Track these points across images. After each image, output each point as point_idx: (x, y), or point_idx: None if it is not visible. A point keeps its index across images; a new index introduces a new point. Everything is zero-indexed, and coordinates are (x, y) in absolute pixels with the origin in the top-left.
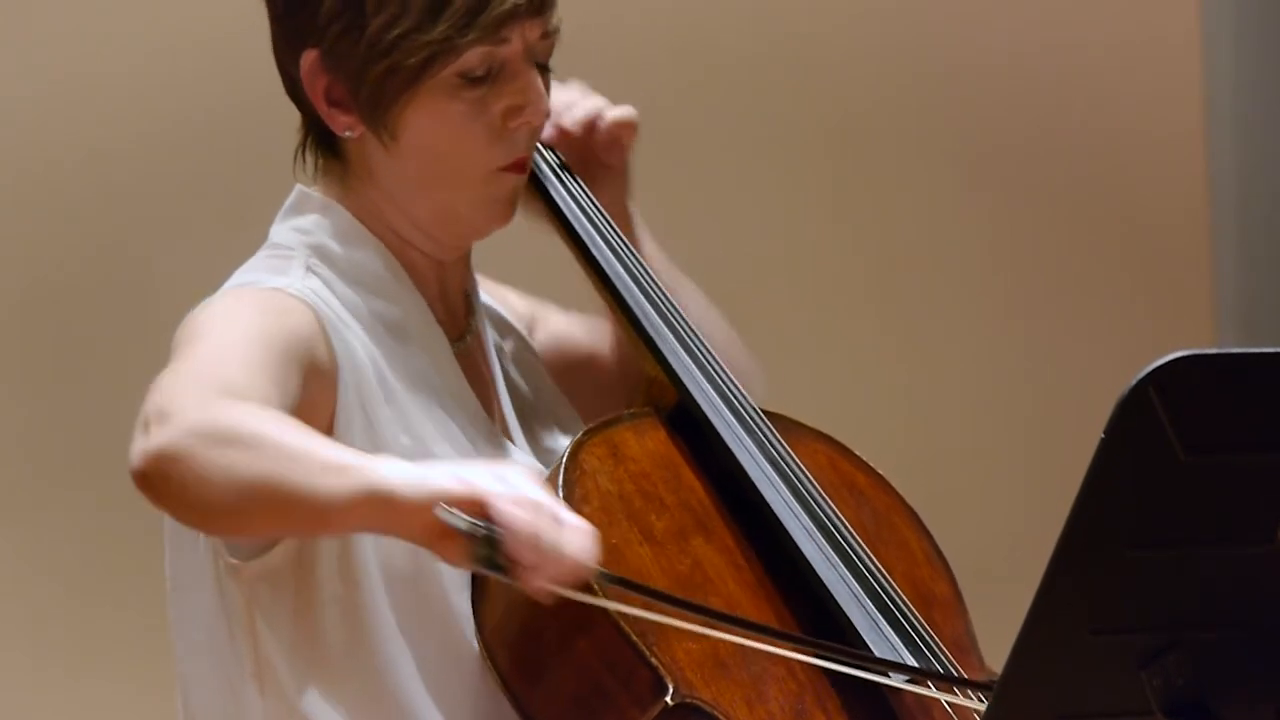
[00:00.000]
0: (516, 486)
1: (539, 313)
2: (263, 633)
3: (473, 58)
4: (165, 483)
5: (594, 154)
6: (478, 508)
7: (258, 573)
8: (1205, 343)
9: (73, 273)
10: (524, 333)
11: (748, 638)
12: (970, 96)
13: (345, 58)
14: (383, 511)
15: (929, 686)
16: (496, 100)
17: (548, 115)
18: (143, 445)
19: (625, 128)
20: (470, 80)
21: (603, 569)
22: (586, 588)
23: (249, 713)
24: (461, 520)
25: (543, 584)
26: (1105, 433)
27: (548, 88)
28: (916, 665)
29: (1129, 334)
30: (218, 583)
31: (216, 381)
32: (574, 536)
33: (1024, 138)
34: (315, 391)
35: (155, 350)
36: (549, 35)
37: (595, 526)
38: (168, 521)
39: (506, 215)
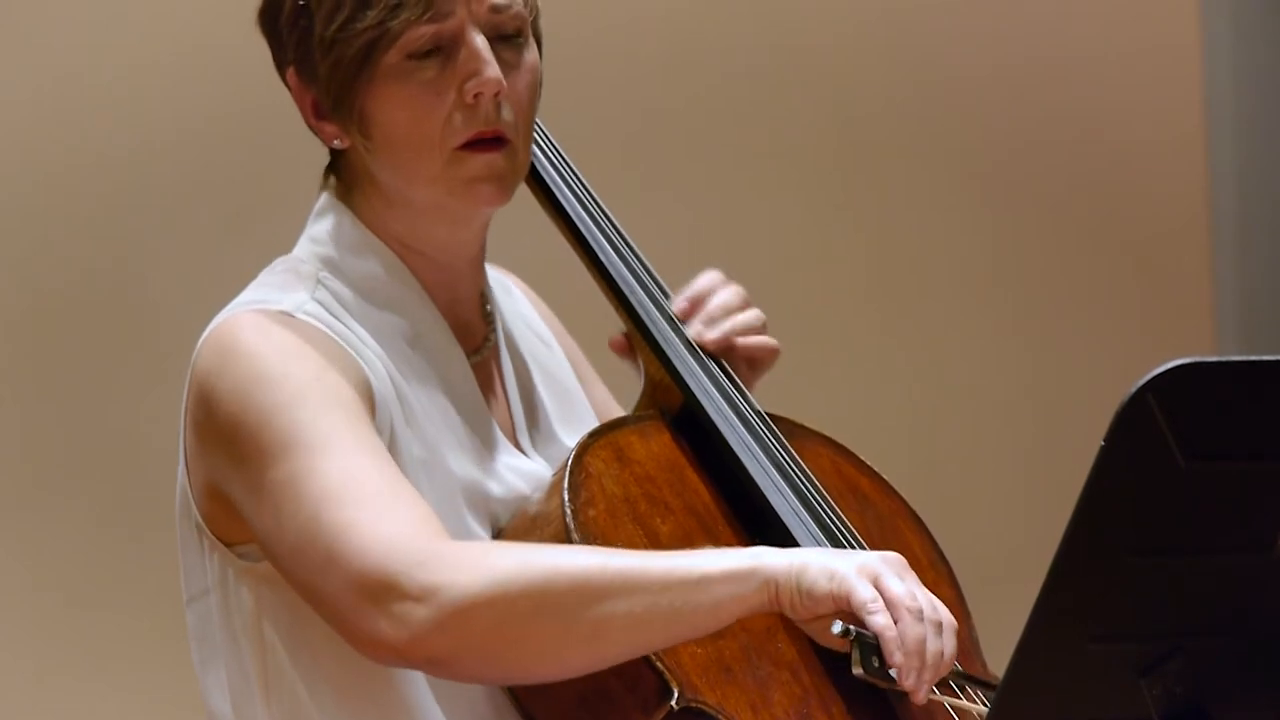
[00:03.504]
0: (891, 589)
1: (585, 376)
2: (269, 638)
3: (417, 37)
4: (459, 657)
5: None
6: (856, 607)
7: (265, 575)
8: (1205, 349)
9: (72, 281)
10: (560, 351)
11: None
12: (972, 102)
13: (309, 66)
14: (768, 605)
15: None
16: (450, 79)
17: (499, 81)
18: (404, 630)
19: (768, 353)
20: (419, 59)
21: (958, 667)
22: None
23: (257, 717)
24: (847, 629)
25: (924, 689)
26: (1105, 440)
27: (521, 59)
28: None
29: (1130, 340)
30: (224, 590)
31: (398, 508)
32: (948, 640)
33: (1025, 144)
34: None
35: (155, 359)
36: (501, 10)
37: (601, 529)
38: (179, 533)
39: (491, 196)
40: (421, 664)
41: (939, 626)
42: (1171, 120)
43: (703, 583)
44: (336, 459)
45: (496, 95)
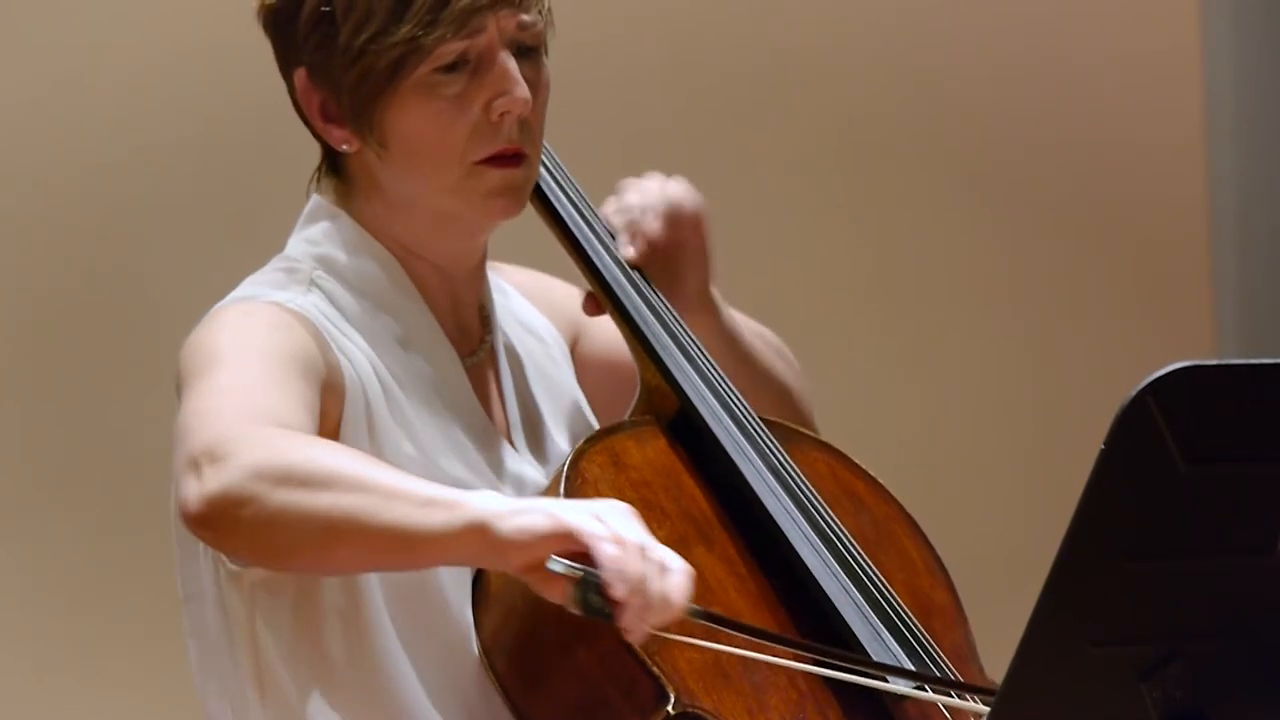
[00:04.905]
0: (615, 527)
1: (588, 322)
2: (263, 640)
3: (447, 52)
4: (232, 525)
5: (672, 240)
6: (577, 548)
7: (257, 579)
8: (1205, 353)
9: (72, 283)
10: (558, 341)
11: (841, 671)
12: (972, 104)
13: (326, 71)
14: (482, 546)
15: (959, 696)
16: (477, 94)
17: (528, 102)
18: (199, 489)
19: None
20: (446, 72)
21: (695, 606)
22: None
23: (252, 716)
24: (565, 566)
25: (642, 627)
26: (1105, 443)
27: (540, 75)
28: (950, 678)
29: (1129, 344)
30: (218, 591)
31: (255, 410)
32: (677, 580)
33: (1026, 146)
34: (327, 404)
35: (155, 361)
36: (527, 27)
37: None
38: (176, 533)
39: (505, 208)
40: (206, 527)
41: (662, 568)
42: (1171, 123)
43: (426, 505)
44: (227, 371)
45: (520, 114)
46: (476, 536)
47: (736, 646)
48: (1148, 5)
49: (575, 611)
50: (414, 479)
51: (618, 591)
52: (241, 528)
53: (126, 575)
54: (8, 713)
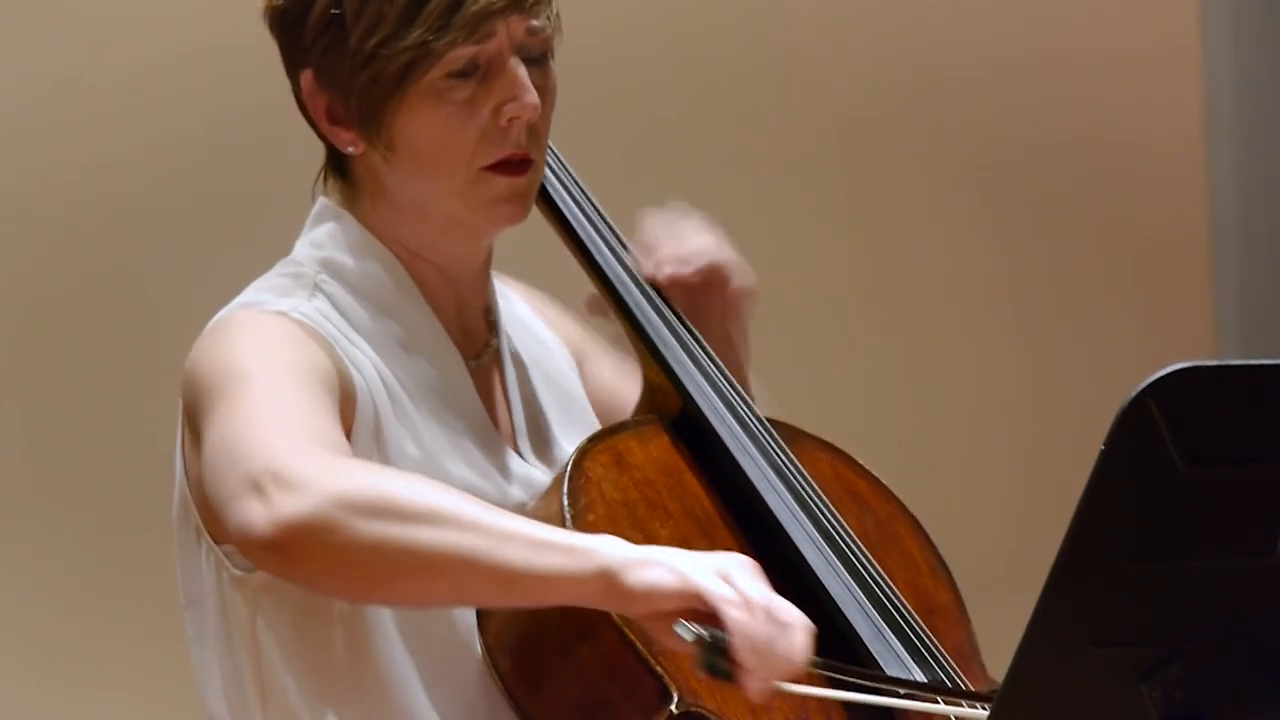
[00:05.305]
0: (742, 587)
1: (590, 353)
2: (265, 644)
3: (457, 57)
4: (310, 552)
5: (706, 299)
6: (702, 608)
7: (261, 583)
8: (1205, 354)
9: (73, 285)
10: (563, 350)
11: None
12: (972, 105)
13: (334, 73)
14: (604, 593)
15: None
16: (486, 99)
17: (537, 108)
18: (268, 513)
19: (746, 297)
20: (456, 77)
21: (816, 659)
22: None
23: (253, 718)
24: (693, 634)
25: (765, 687)
26: (1105, 444)
27: (547, 80)
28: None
29: (1130, 345)
30: (221, 595)
31: (304, 429)
32: (798, 639)
33: (1026, 147)
34: (343, 412)
35: (155, 361)
36: (536, 32)
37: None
38: (176, 537)
39: (512, 215)
40: (279, 552)
41: (786, 626)
42: (1172, 124)
43: (541, 547)
44: (261, 388)
45: (529, 119)
46: (600, 583)
47: (852, 691)
48: (1148, 5)
49: (696, 670)
50: (510, 515)
51: (745, 657)
52: (323, 555)
53: (126, 575)
54: (8, 713)
